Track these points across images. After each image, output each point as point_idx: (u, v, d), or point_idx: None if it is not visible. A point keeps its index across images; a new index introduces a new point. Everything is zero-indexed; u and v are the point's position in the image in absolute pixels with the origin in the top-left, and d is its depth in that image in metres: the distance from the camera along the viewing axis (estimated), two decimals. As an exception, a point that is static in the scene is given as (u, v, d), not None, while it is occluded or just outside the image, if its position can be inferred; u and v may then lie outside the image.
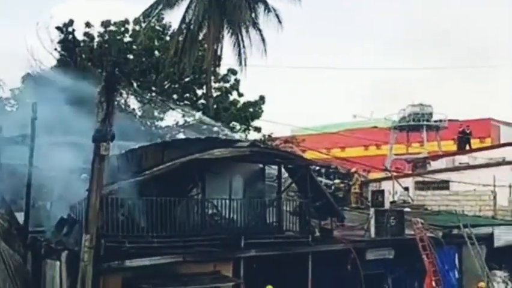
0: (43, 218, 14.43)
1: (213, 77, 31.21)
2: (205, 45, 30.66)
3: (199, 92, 33.06)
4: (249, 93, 33.93)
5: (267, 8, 30.44)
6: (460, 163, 30.93)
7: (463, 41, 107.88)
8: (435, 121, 41.88)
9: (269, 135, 33.48)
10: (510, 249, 21.58)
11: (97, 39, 32.15)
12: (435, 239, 18.79)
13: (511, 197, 25.23)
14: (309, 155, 28.91)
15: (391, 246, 18.03)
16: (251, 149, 15.21)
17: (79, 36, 31.36)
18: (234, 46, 29.95)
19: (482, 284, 18.28)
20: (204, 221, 14.76)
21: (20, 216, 13.90)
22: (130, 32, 32.74)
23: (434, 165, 32.84)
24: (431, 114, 41.73)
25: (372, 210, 18.66)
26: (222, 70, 33.05)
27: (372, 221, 18.16)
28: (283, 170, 16.86)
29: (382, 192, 20.72)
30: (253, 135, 33.18)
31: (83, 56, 31.15)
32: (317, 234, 16.77)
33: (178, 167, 13.80)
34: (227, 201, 15.23)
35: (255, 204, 15.70)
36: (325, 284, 16.14)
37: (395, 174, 29.40)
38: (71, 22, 30.71)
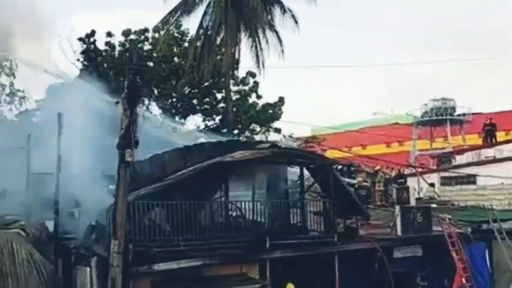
0: (72, 226, 14.70)
1: (231, 81, 31.36)
2: (223, 49, 30.80)
3: (219, 96, 33.28)
4: (267, 95, 34.06)
5: (283, 9, 30.42)
6: (486, 157, 30.50)
7: (483, 34, 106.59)
8: (459, 115, 41.41)
9: (290, 136, 33.50)
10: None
11: (118, 48, 32.63)
12: (464, 235, 18.51)
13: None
14: (330, 154, 28.84)
15: (419, 244, 17.87)
16: (272, 150, 15.22)
17: (101, 46, 31.93)
18: (251, 49, 30.01)
19: None
20: (228, 223, 14.86)
21: (50, 225, 14.20)
22: (150, 40, 33.18)
23: (460, 159, 32.44)
24: (454, 108, 41.31)
25: (398, 208, 18.50)
26: (241, 73, 33.27)
27: (399, 219, 18.03)
28: (305, 170, 16.86)
29: (407, 189, 20.48)
30: (273, 137, 33.27)
31: (105, 65, 31.63)
32: (342, 233, 16.74)
33: (200, 171, 13.92)
34: (250, 203, 15.31)
35: (278, 205, 15.75)
36: (353, 284, 16.09)
37: (419, 170, 29.13)
38: (92, 33, 31.34)
